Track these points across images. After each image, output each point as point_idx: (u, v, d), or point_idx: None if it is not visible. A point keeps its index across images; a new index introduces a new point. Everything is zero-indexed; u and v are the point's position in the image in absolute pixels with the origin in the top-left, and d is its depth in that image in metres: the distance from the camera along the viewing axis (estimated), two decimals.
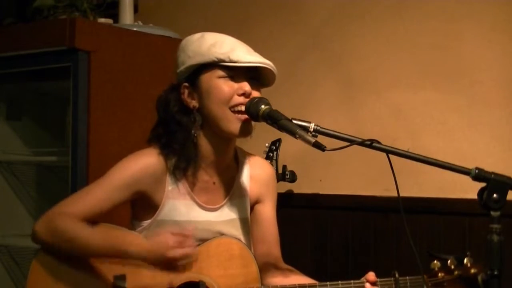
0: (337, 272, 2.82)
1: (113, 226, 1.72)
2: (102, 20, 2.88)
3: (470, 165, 1.45)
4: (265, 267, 1.85)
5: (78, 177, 2.57)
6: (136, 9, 3.34)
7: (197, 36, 1.76)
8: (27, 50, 2.72)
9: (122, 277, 1.68)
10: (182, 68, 1.75)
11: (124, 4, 3.11)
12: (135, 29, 2.91)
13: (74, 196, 1.74)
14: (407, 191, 2.56)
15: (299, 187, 2.90)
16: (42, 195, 3.17)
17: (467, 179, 1.44)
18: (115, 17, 3.09)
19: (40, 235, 1.68)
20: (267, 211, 1.91)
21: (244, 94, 1.69)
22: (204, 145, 1.76)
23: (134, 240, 1.68)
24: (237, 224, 1.83)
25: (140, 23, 3.03)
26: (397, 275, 1.66)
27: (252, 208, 1.90)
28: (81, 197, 1.72)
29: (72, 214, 1.67)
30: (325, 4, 2.95)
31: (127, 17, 3.10)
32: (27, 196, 3.18)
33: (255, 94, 1.72)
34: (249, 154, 1.92)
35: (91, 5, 2.91)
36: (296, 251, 2.80)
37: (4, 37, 2.83)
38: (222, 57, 1.68)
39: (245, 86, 1.70)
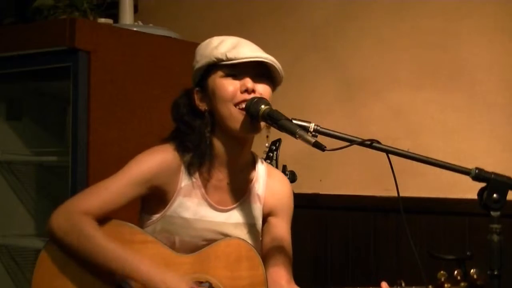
0: (337, 272, 2.82)
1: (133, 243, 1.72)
2: (102, 20, 2.88)
3: (470, 165, 1.46)
4: (271, 284, 1.82)
5: (78, 177, 2.57)
6: (136, 9, 3.34)
7: (206, 41, 1.78)
8: (27, 50, 2.72)
9: None
10: (193, 72, 1.79)
11: (124, 4, 3.11)
12: (135, 29, 2.91)
13: (91, 191, 1.74)
14: (407, 191, 2.55)
15: (299, 187, 2.89)
16: (42, 195, 3.17)
17: (467, 179, 1.44)
18: (115, 17, 3.09)
19: (57, 229, 1.68)
20: (281, 226, 1.88)
21: (246, 91, 1.69)
22: (218, 146, 1.76)
23: (152, 276, 1.66)
24: (246, 228, 1.82)
25: (140, 23, 3.03)
26: (403, 284, 1.65)
27: (265, 219, 1.88)
28: (98, 192, 1.72)
29: (90, 211, 1.68)
30: (325, 4, 2.95)
31: (127, 17, 3.10)
32: (27, 196, 3.18)
33: (262, 89, 1.71)
34: (270, 166, 1.93)
35: (91, 5, 2.92)
36: (296, 251, 2.80)
37: (4, 37, 2.83)
38: (220, 56, 1.69)
39: (247, 82, 1.69)
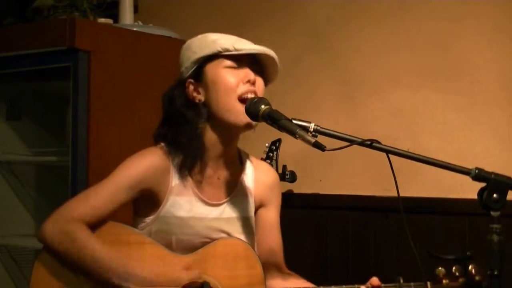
0: (337, 272, 2.81)
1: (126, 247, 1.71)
2: (102, 20, 2.88)
3: (470, 165, 1.45)
4: (266, 272, 1.85)
5: (78, 177, 2.57)
6: (136, 9, 3.34)
7: (200, 35, 1.80)
8: (27, 50, 2.72)
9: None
10: (187, 64, 1.78)
11: (124, 4, 3.11)
12: (135, 29, 2.91)
13: (81, 197, 1.74)
14: (407, 191, 2.55)
15: (299, 187, 2.90)
16: (42, 195, 3.17)
17: (467, 179, 1.44)
18: (115, 17, 3.09)
19: (50, 238, 1.68)
20: (270, 216, 1.91)
21: (249, 81, 1.73)
22: (210, 138, 1.77)
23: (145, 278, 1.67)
24: (240, 222, 1.83)
25: (140, 23, 3.03)
26: (401, 281, 1.66)
27: (256, 211, 1.89)
28: (88, 199, 1.72)
29: (82, 218, 1.68)
30: (325, 4, 2.95)
31: (127, 17, 3.10)
32: (27, 196, 3.18)
33: (259, 83, 1.76)
34: (254, 158, 1.94)
35: (91, 5, 2.92)
36: (296, 251, 2.80)
37: (4, 37, 2.83)
38: (227, 46, 1.72)
39: (250, 73, 1.74)
